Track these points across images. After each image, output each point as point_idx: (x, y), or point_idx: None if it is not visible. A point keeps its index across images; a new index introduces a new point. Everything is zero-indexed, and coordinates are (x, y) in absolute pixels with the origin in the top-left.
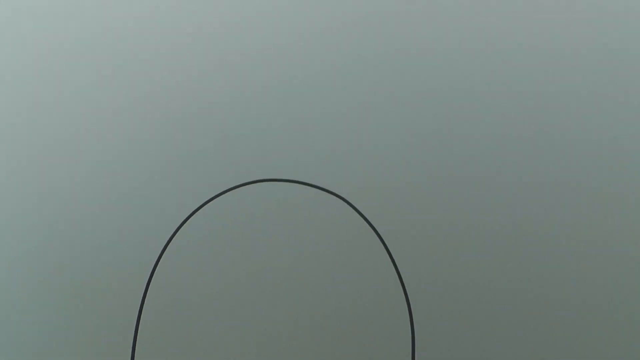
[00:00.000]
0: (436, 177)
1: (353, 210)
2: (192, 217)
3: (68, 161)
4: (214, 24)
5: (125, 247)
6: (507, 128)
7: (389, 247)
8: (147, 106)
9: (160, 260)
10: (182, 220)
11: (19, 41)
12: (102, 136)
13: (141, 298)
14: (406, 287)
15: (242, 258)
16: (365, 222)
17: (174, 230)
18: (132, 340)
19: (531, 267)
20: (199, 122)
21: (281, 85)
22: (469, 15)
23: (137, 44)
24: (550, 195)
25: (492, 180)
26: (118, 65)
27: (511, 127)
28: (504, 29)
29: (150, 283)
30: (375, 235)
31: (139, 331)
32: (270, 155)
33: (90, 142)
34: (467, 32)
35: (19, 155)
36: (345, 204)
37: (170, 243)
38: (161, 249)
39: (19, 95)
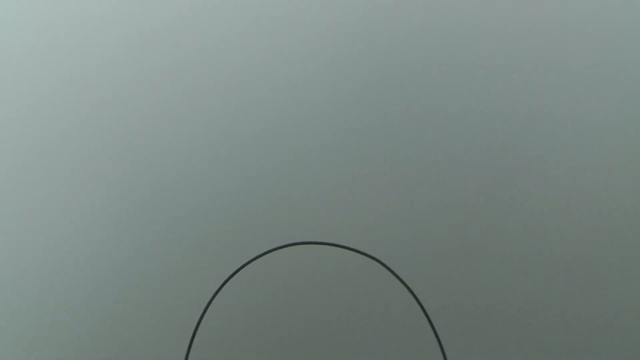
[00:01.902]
0: (475, 238)
1: (389, 273)
2: (231, 280)
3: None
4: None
5: (166, 308)
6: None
7: (425, 309)
8: (188, 167)
9: (201, 323)
10: (220, 284)
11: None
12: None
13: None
14: (444, 349)
15: (280, 321)
16: (402, 285)
17: (210, 297)
18: None
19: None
20: (239, 185)
21: (319, 147)
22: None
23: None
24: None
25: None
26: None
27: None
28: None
29: (192, 344)
30: (413, 298)
31: None
32: (307, 219)
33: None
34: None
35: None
36: (382, 266)
37: (208, 309)
38: (201, 312)
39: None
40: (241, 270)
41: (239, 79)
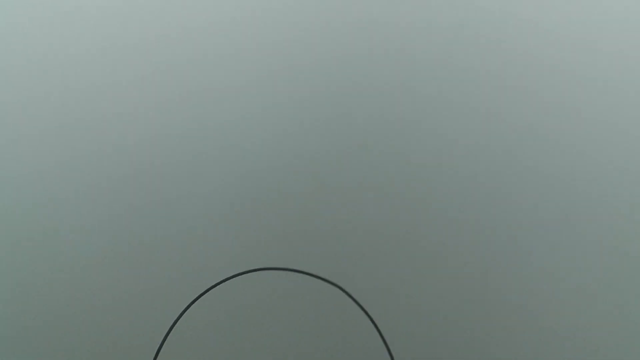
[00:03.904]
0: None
1: (349, 298)
2: (190, 308)
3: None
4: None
5: (124, 338)
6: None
7: (384, 335)
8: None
9: (162, 347)
10: (180, 312)
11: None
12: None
13: None
14: None
15: (239, 348)
16: (361, 310)
17: (171, 322)
18: None
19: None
20: (195, 215)
21: (278, 175)
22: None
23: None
24: None
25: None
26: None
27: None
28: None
29: None
30: (371, 323)
31: None
32: (267, 244)
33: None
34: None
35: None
36: (342, 292)
37: (169, 335)
38: (160, 340)
39: None
40: (201, 298)
41: (198, 105)
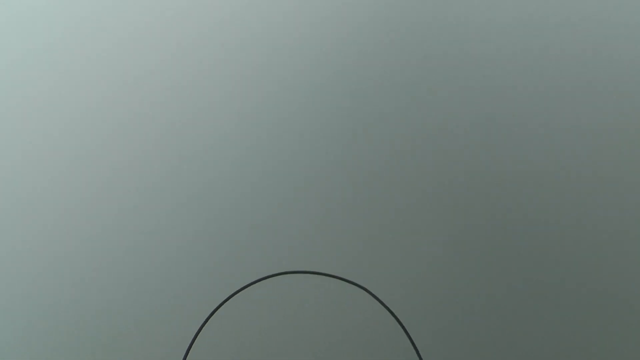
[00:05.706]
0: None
1: (374, 299)
2: (220, 308)
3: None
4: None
5: (156, 336)
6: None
7: (410, 334)
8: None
9: (190, 351)
10: (210, 312)
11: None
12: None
13: None
14: None
15: (266, 349)
16: (386, 310)
17: (201, 322)
18: None
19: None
20: (224, 218)
21: (303, 180)
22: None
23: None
24: None
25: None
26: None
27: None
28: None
29: None
30: (397, 322)
31: None
32: (293, 248)
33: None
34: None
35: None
36: (367, 293)
37: (199, 335)
38: (190, 340)
39: None
40: (230, 299)
41: (219, 115)
